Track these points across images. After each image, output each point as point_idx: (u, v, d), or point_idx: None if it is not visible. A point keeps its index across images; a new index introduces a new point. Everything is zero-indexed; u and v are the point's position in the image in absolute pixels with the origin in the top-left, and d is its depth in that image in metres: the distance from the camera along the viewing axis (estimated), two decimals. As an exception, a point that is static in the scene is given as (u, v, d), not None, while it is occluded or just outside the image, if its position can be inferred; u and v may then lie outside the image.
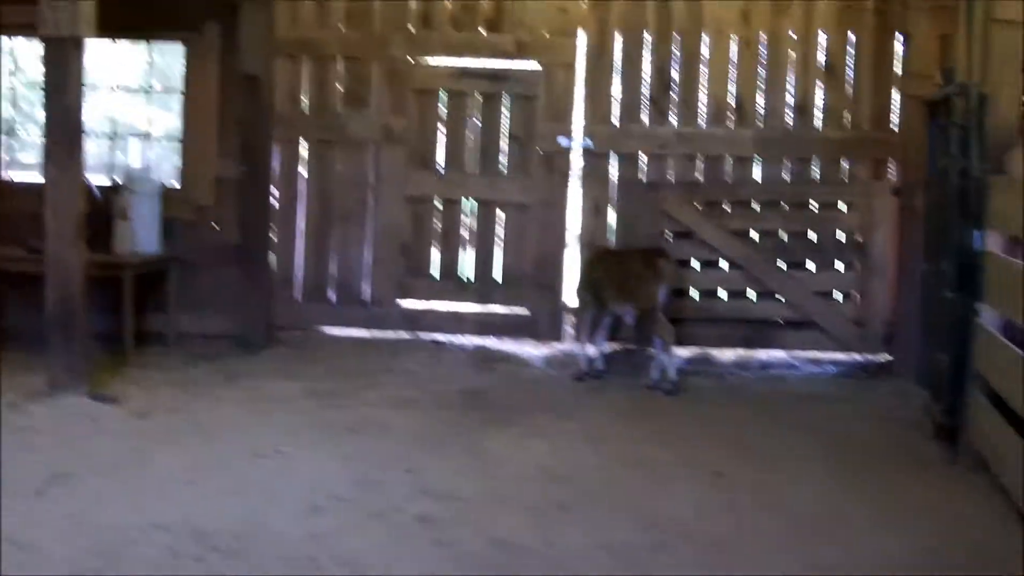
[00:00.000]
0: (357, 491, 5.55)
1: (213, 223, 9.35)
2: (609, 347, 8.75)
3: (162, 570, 4.54)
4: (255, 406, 7.19)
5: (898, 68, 8.90)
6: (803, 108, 9.03)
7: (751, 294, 9.05)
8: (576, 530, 5.12)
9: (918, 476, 6.10)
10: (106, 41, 9.49)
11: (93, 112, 9.89)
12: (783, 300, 8.95)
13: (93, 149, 10.27)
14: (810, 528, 5.24)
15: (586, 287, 8.46)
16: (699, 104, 9.12)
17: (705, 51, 9.10)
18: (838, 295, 9.02)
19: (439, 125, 9.36)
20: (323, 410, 7.16)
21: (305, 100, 9.40)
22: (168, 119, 10.35)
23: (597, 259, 8.58)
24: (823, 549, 4.97)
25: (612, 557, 4.81)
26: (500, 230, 9.36)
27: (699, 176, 9.11)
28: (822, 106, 9.06)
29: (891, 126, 8.94)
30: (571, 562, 4.76)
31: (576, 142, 9.19)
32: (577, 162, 9.26)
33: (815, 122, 9.06)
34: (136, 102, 10.05)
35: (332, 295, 9.48)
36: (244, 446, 6.23)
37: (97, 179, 9.34)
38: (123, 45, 9.95)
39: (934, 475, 6.13)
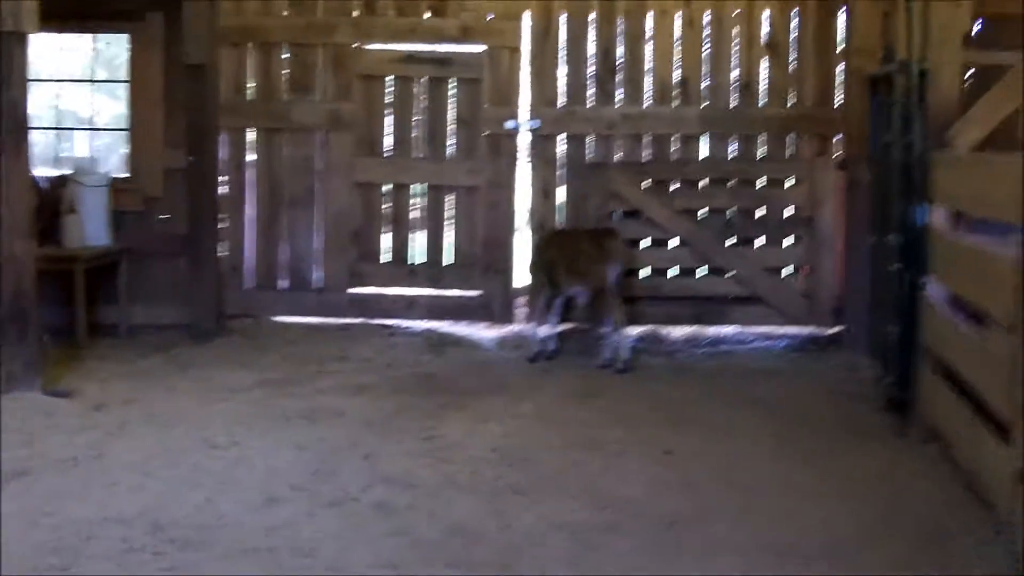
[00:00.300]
0: (313, 480, 5.58)
1: (162, 214, 9.32)
2: (561, 327, 8.81)
3: (120, 564, 4.55)
4: (208, 396, 7.21)
5: (842, 45, 8.97)
6: (747, 86, 9.13)
7: (700, 271, 9.13)
8: (531, 513, 5.17)
9: (868, 448, 6.21)
10: (51, 33, 9.44)
11: (39, 104, 9.84)
12: (732, 276, 9.04)
13: (40, 141, 10.23)
14: (761, 502, 5.33)
15: (538, 268, 8.51)
16: (644, 84, 9.18)
17: (649, 31, 9.15)
18: (788, 270, 9.11)
19: (386, 110, 9.36)
20: (276, 398, 7.18)
21: (251, 88, 9.37)
22: (115, 109, 10.29)
23: (548, 240, 8.66)
24: (773, 523, 5.06)
25: (566, 538, 4.88)
26: (450, 214, 9.39)
27: (646, 155, 9.17)
28: (766, 84, 9.13)
29: (835, 103, 9.04)
30: (526, 545, 4.81)
31: (523, 125, 9.22)
32: (524, 144, 9.29)
33: (759, 100, 9.14)
34: (82, 93, 9.98)
35: (283, 282, 9.47)
36: (198, 437, 6.25)
37: (44, 172, 9.30)
38: (69, 36, 9.81)
39: (884, 447, 6.23)
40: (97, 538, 4.79)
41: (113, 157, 10.08)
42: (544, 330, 8.55)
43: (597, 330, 8.50)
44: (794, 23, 9.08)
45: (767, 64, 9.13)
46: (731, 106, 9.14)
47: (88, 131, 10.03)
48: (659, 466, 5.89)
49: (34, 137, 9.74)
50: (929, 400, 6.18)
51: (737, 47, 9.11)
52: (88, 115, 9.92)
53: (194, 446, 6.10)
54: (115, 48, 10.13)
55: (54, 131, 9.93)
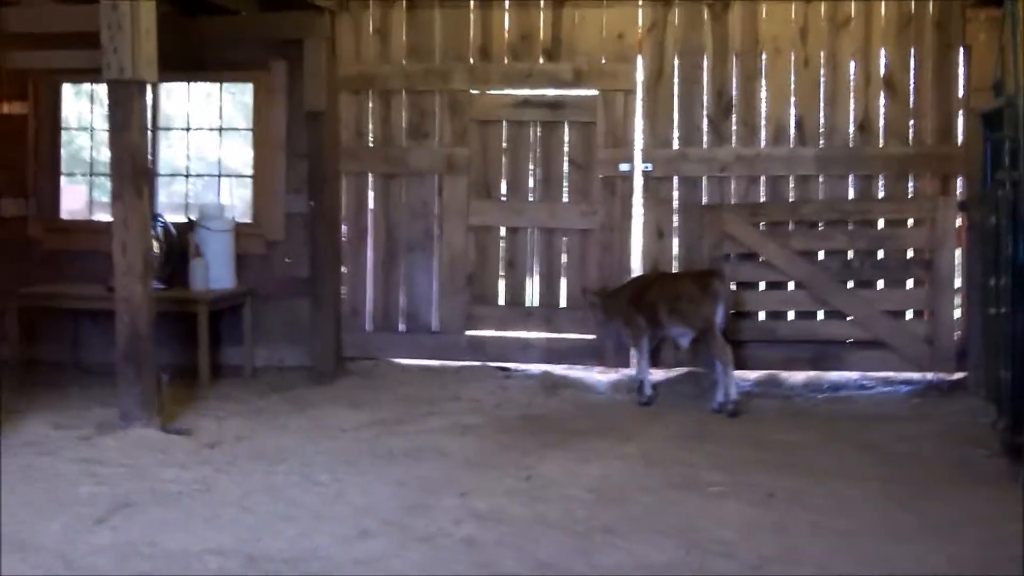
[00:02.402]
0: (406, 515, 5.64)
1: (284, 257, 9.56)
2: (677, 371, 8.77)
3: (211, 595, 4.67)
4: (318, 435, 7.35)
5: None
6: (865, 125, 8.98)
7: (818, 314, 8.98)
8: (619, 552, 5.15)
9: (976, 493, 6.05)
10: (177, 82, 9.81)
11: (168, 151, 10.20)
12: (851, 320, 8.88)
13: (169, 188, 10.59)
14: (855, 545, 5.23)
15: (638, 311, 8.48)
16: (759, 125, 9.12)
17: (764, 71, 9.10)
18: (908, 313, 8.92)
19: (501, 154, 9.47)
20: (384, 437, 7.28)
21: (370, 134, 9.57)
22: (240, 156, 10.60)
23: (649, 282, 8.63)
24: (863, 566, 4.96)
25: (652, 577, 4.85)
26: (564, 257, 9.42)
27: (761, 196, 9.09)
28: (884, 122, 8.98)
29: (956, 140, 8.86)
30: (611, 582, 4.80)
31: (636, 167, 9.23)
32: (638, 187, 9.30)
33: (878, 139, 8.99)
34: (210, 141, 10.30)
35: (401, 325, 9.60)
36: (302, 473, 6.37)
37: (174, 217, 9.62)
38: (198, 86, 10.17)
39: (994, 492, 6.06)
40: (193, 568, 4.92)
41: (238, 203, 10.36)
42: (651, 372, 8.54)
43: (707, 373, 8.44)
44: (912, 61, 8.92)
45: (885, 103, 8.97)
46: (849, 146, 9.01)
47: (215, 178, 10.32)
48: (757, 508, 5.81)
49: (165, 184, 10.21)
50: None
51: (853, 86, 8.98)
52: (216, 161, 10.20)
53: (296, 482, 6.22)
54: (244, 96, 10.45)
55: (184, 178, 10.22)
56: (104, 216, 9.82)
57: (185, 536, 5.31)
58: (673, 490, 6.13)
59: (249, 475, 6.35)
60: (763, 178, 9.11)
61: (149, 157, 7.33)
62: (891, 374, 8.90)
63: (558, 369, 9.31)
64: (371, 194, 9.62)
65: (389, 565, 4.98)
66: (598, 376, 9.18)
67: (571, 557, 5.08)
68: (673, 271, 9.06)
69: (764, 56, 9.09)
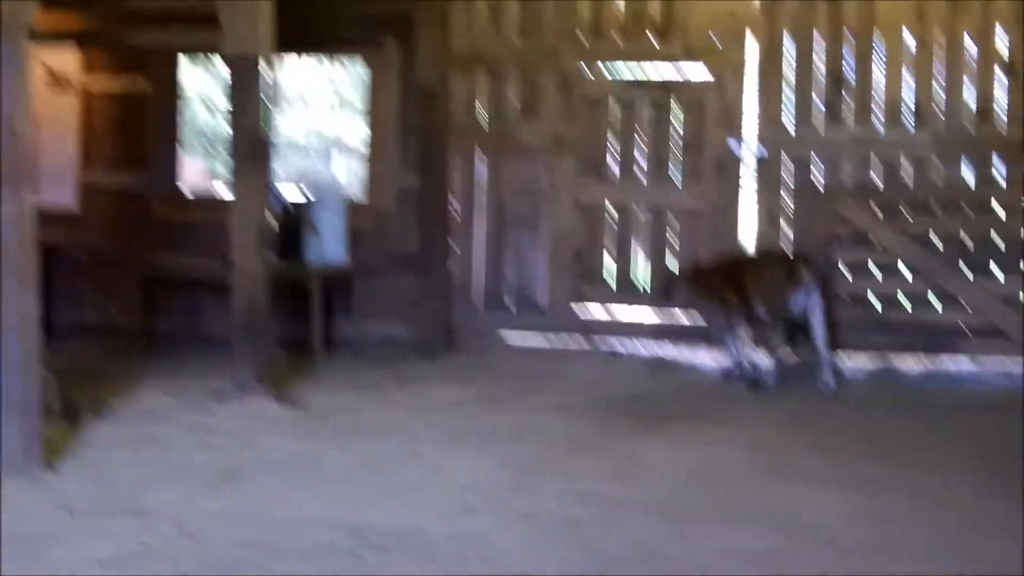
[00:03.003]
0: (510, 493, 5.72)
1: (395, 233, 9.68)
2: (784, 355, 8.73)
3: (317, 563, 4.77)
4: (424, 409, 7.47)
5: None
6: (984, 108, 8.80)
7: (931, 300, 8.85)
8: (717, 537, 5.16)
9: (1086, 487, 5.94)
10: (294, 58, 9.97)
11: (285, 127, 10.38)
12: (966, 306, 8.74)
13: (286, 163, 10.77)
14: (955, 538, 5.17)
15: (732, 292, 8.47)
16: (874, 106, 8.98)
17: (879, 51, 8.96)
18: None
19: (609, 132, 9.47)
20: (488, 414, 7.38)
21: (481, 111, 9.63)
22: (354, 132, 10.75)
23: (740, 263, 8.67)
24: (961, 558, 4.91)
25: (749, 563, 4.84)
26: (672, 237, 9.41)
27: (876, 179, 8.97)
28: (1003, 105, 8.80)
29: (1080, 125, 8.66)
30: (708, 567, 4.81)
31: (747, 147, 9.17)
32: (749, 168, 9.23)
33: (996, 122, 8.80)
34: (325, 117, 10.47)
35: (509, 302, 9.67)
36: (407, 448, 6.49)
37: (289, 192, 9.80)
38: (313, 62, 10.33)
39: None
40: (299, 537, 5.04)
41: (351, 178, 10.51)
42: (754, 356, 8.53)
43: (808, 356, 8.40)
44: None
45: (1005, 85, 8.78)
46: (966, 129, 8.84)
47: (329, 154, 10.48)
48: (860, 497, 5.76)
49: (282, 159, 10.39)
50: None
51: (972, 68, 8.80)
52: (329, 140, 10.37)
53: (402, 456, 6.34)
54: (359, 73, 10.59)
55: (300, 153, 10.40)
56: (222, 189, 10.07)
57: (293, 505, 5.46)
58: (774, 476, 6.12)
59: (356, 447, 6.49)
60: (878, 161, 8.97)
61: (267, 133, 7.46)
62: (1009, 367, 8.69)
63: (665, 350, 9.30)
64: (481, 171, 9.69)
65: (492, 541, 5.05)
66: (707, 359, 9.15)
67: (671, 540, 5.10)
68: (768, 251, 9.01)
69: (880, 35, 8.94)
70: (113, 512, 5.31)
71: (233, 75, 7.19)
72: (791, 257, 8.52)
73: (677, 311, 9.25)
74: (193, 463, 6.10)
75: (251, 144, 7.21)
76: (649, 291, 9.31)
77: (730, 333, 8.59)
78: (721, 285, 8.52)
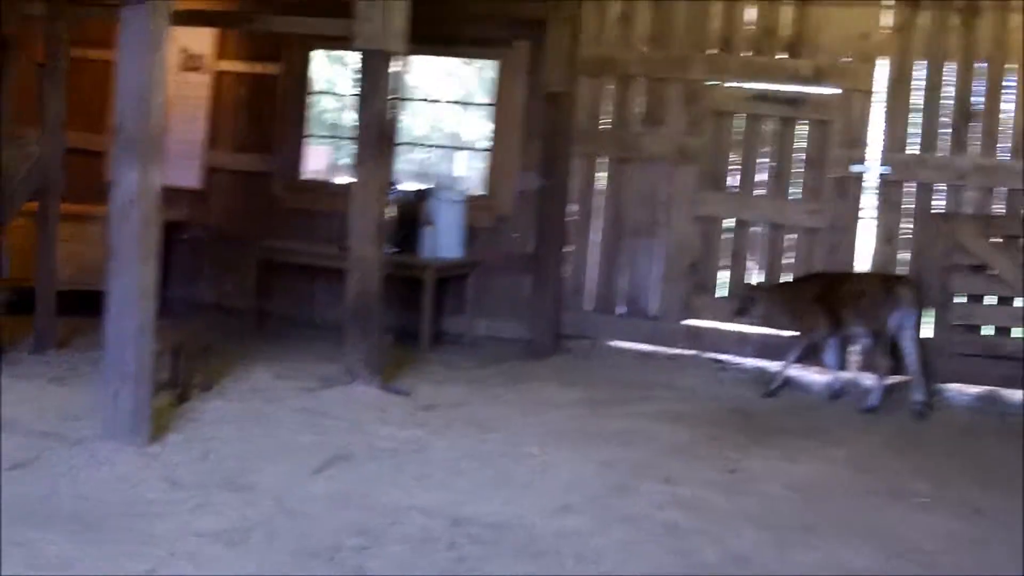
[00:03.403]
0: (610, 495, 5.79)
1: (513, 232, 9.79)
2: (893, 378, 8.68)
3: (416, 551, 4.89)
4: (531, 408, 7.57)
5: None
6: (1108, 143, 8.67)
7: (1046, 333, 8.74)
8: (816, 552, 5.18)
9: None
10: (424, 55, 10.13)
11: (410, 121, 10.54)
12: (1079, 341, 8.61)
13: (409, 157, 10.95)
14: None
15: (821, 308, 8.49)
16: (1001, 135, 8.87)
17: (1010, 81, 8.84)
18: None
19: (733, 146, 9.47)
20: (594, 417, 7.45)
21: (605, 117, 9.69)
22: (478, 130, 10.87)
23: (834, 281, 8.68)
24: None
25: (846, 580, 4.88)
26: (789, 254, 9.38)
27: (996, 209, 8.86)
28: None
29: None
30: (803, 581, 4.85)
31: (871, 169, 9.11)
32: (870, 189, 9.18)
33: (1121, 157, 8.66)
34: (451, 113, 10.61)
35: (620, 308, 9.71)
36: (512, 444, 6.59)
37: (410, 185, 9.96)
38: (443, 60, 10.48)
39: None
40: (400, 524, 5.16)
41: (472, 175, 10.64)
42: (831, 370, 8.70)
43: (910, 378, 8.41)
44: None
45: None
46: (1092, 163, 8.72)
47: (452, 149, 10.62)
48: (961, 522, 5.74)
49: (407, 153, 10.57)
50: None
51: (1102, 102, 8.67)
52: (454, 134, 10.51)
53: (506, 452, 6.43)
54: (486, 72, 10.71)
55: (424, 148, 10.55)
56: (343, 178, 10.26)
57: (395, 492, 5.58)
58: (877, 496, 6.11)
59: (461, 440, 6.60)
60: (1001, 190, 8.87)
61: (392, 125, 7.61)
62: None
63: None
64: (602, 176, 9.75)
65: (589, 541, 5.12)
66: (814, 376, 9.11)
67: (768, 553, 5.14)
68: (854, 271, 9.06)
69: (1012, 65, 8.83)
70: (216, 486, 5.47)
71: (364, 67, 7.33)
72: (890, 278, 8.60)
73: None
74: (298, 444, 6.26)
75: (376, 135, 7.36)
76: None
77: (803, 345, 8.65)
78: (805, 301, 8.56)
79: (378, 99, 7.31)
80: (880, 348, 8.32)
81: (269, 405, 6.99)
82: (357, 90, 7.47)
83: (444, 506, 5.43)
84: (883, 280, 8.54)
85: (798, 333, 8.68)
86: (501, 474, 6.02)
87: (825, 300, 8.49)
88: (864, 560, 5.11)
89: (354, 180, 7.48)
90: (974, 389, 8.78)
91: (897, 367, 8.41)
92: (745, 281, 9.20)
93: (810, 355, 8.88)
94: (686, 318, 9.49)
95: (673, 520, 5.47)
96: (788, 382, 8.66)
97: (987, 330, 8.87)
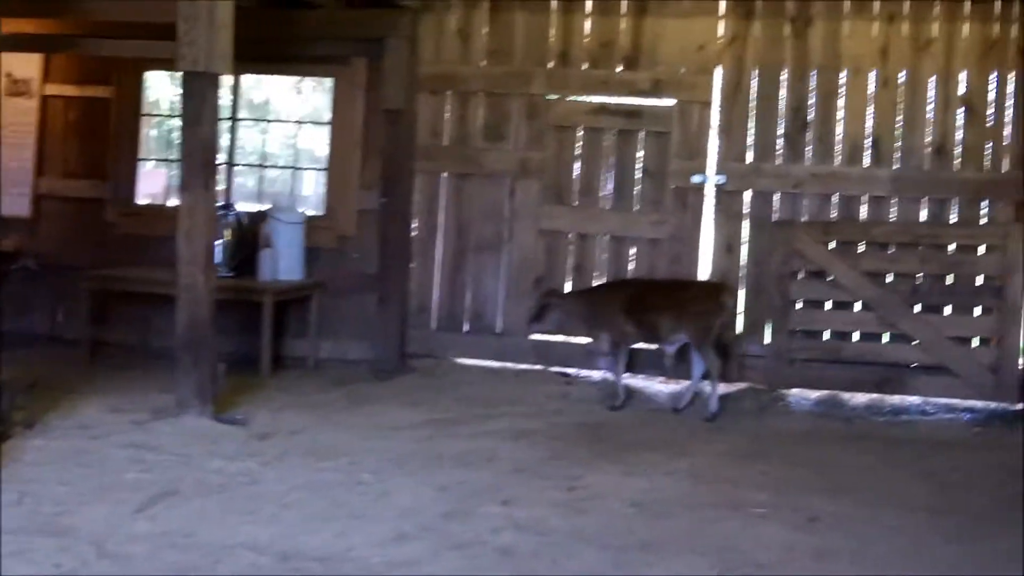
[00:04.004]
0: (446, 521, 5.66)
1: (354, 252, 9.64)
2: (738, 386, 8.75)
3: (239, 589, 4.73)
4: (372, 432, 7.40)
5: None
6: (941, 148, 8.84)
7: (883, 337, 8.86)
8: (653, 570, 5.12)
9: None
10: (258, 75, 9.94)
11: (246, 141, 10.33)
12: (916, 344, 8.75)
13: (248, 178, 10.73)
14: (893, 573, 5.17)
15: (629, 317, 8.50)
16: (835, 143, 9.01)
17: (843, 89, 8.98)
18: (975, 340, 8.77)
19: (575, 160, 9.45)
20: (437, 439, 7.32)
21: (447, 133, 9.60)
22: (319, 150, 10.70)
23: (644, 289, 8.75)
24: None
25: (682, 599, 4.83)
26: (632, 265, 9.39)
27: (833, 215, 8.99)
28: (961, 146, 8.83)
29: (1036, 167, 8.71)
30: (640, 602, 4.79)
31: (710, 179, 9.17)
32: (710, 199, 9.24)
33: (954, 162, 8.84)
34: (288, 133, 10.43)
35: (466, 325, 9.63)
36: (348, 472, 6.42)
37: (247, 207, 9.75)
38: (279, 77, 10.29)
39: (1045, 530, 5.94)
40: (224, 562, 4.96)
41: (311, 196, 10.47)
42: (624, 380, 8.67)
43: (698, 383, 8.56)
44: (994, 85, 8.76)
45: (963, 126, 8.82)
46: (924, 168, 8.88)
47: (290, 169, 10.44)
48: (798, 533, 5.74)
49: (239, 175, 10.35)
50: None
51: (932, 108, 8.85)
52: (292, 154, 10.32)
53: (341, 480, 6.26)
54: (325, 91, 10.54)
55: (258, 169, 10.34)
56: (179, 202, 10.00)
57: (222, 529, 5.38)
58: (717, 509, 6.08)
59: (295, 470, 6.42)
60: (836, 197, 9.01)
61: (221, 148, 7.41)
62: (955, 401, 8.75)
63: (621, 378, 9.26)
64: (444, 193, 9.66)
65: (421, 571, 5.00)
66: (659, 386, 9.13)
67: (606, 572, 5.07)
68: (658, 278, 9.15)
69: (844, 74, 8.98)
70: (31, 532, 5.18)
71: (187, 90, 7.12)
72: (713, 285, 8.77)
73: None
74: (122, 482, 6.00)
75: (202, 159, 7.14)
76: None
77: (615, 355, 8.63)
78: (607, 309, 8.58)
79: (203, 123, 7.10)
80: (704, 354, 8.32)
81: (94, 442, 6.70)
82: (182, 114, 7.22)
83: (273, 541, 5.25)
84: (707, 287, 8.66)
85: (604, 341, 8.68)
86: (335, 504, 5.85)
87: (634, 308, 8.50)
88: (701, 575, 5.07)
89: (180, 205, 7.24)
90: (815, 394, 8.89)
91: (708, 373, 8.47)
92: (544, 287, 9.13)
93: (657, 365, 8.93)
94: (532, 333, 9.43)
95: (509, 544, 5.36)
96: (632, 394, 8.64)
97: (827, 335, 8.97)
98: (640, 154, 9.36)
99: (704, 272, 9.30)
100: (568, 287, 9.30)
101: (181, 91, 7.22)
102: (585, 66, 9.39)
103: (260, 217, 9.44)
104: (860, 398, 8.91)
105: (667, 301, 8.45)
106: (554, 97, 9.48)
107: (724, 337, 8.58)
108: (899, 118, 8.93)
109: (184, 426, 7.00)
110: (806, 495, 6.39)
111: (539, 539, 5.46)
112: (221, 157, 9.58)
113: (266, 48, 9.24)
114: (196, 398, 7.16)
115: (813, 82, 9.04)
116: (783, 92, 9.09)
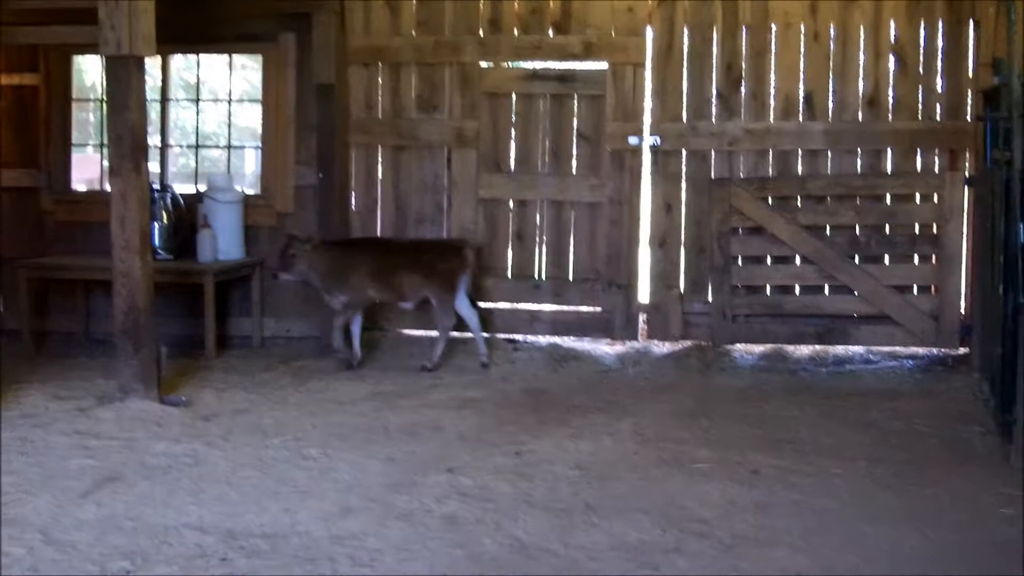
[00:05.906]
0: (391, 492, 5.67)
1: (293, 230, 9.57)
2: (680, 345, 8.80)
3: (186, 569, 4.72)
4: (317, 408, 7.41)
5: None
6: (874, 100, 8.90)
7: (824, 289, 8.93)
8: (597, 531, 5.17)
9: (964, 472, 6.04)
10: (185, 55, 9.84)
11: (179, 123, 10.24)
12: (857, 295, 8.83)
13: (182, 159, 10.64)
14: (833, 526, 5.24)
15: (371, 276, 8.62)
16: (768, 99, 9.05)
17: (773, 46, 9.01)
18: (915, 289, 8.87)
19: (510, 128, 9.44)
20: (383, 411, 7.33)
21: (380, 106, 9.56)
22: (253, 128, 10.64)
23: (386, 248, 8.93)
24: (839, 547, 4.96)
25: (626, 557, 4.87)
26: (573, 230, 9.41)
27: (770, 171, 9.04)
28: (894, 97, 8.89)
29: (966, 116, 8.77)
30: (584, 563, 4.82)
31: (646, 140, 9.19)
32: (647, 160, 9.26)
33: (887, 114, 8.91)
34: (221, 113, 10.34)
35: (410, 297, 9.61)
36: (294, 448, 6.42)
37: (182, 189, 9.67)
38: (208, 57, 10.20)
39: (982, 471, 6.05)
40: (170, 543, 4.97)
41: (248, 175, 10.40)
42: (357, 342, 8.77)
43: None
44: (923, 36, 8.82)
45: (894, 77, 8.88)
46: (858, 120, 8.94)
47: (224, 150, 10.36)
48: (740, 487, 5.80)
49: (173, 156, 10.25)
50: (1031, 422, 5.95)
51: (863, 60, 8.90)
52: (226, 133, 10.25)
53: (286, 457, 6.27)
54: (256, 69, 10.47)
55: (192, 150, 10.24)
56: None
57: (167, 511, 5.37)
58: (660, 468, 6.14)
59: (240, 449, 6.41)
60: (772, 152, 9.06)
61: (154, 131, 7.34)
62: (897, 349, 8.87)
63: (566, 341, 9.31)
64: (381, 166, 9.63)
65: (366, 543, 5.01)
66: (606, 348, 9.17)
67: (549, 536, 5.11)
68: (403, 239, 9.32)
69: (774, 30, 9.01)
70: (-23, 524, 5.17)
71: (112, 74, 7.04)
72: (455, 242, 8.98)
73: (575, 303, 9.30)
74: (69, 468, 5.99)
75: (131, 144, 7.07)
76: (549, 280, 9.39)
77: (349, 313, 8.67)
78: (353, 265, 8.65)
79: (130, 107, 7.02)
80: (446, 312, 8.57)
81: (38, 430, 6.67)
82: (107, 99, 7.14)
83: (218, 520, 5.25)
84: (451, 245, 8.86)
85: (337, 301, 8.68)
86: (280, 481, 5.85)
87: (380, 269, 8.62)
88: (642, 534, 5.11)
89: (112, 191, 7.18)
90: (760, 348, 8.96)
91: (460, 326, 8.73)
92: (289, 232, 8.99)
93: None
94: (477, 301, 9.42)
95: (453, 512, 5.40)
96: (578, 356, 8.66)
97: (769, 291, 9.04)
98: (575, 119, 9.35)
99: (644, 234, 9.33)
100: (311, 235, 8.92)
101: (105, 76, 7.14)
102: (516, 32, 9.36)
103: (196, 198, 9.37)
104: (804, 351, 9.01)
105: (412, 261, 8.61)
106: (487, 65, 9.45)
107: (469, 291, 8.79)
108: (831, 72, 8.96)
109: (128, 411, 6.97)
110: (749, 450, 6.46)
111: (484, 505, 5.50)
112: (155, 139, 9.56)
113: (194, 29, 9.17)
114: (139, 383, 7.12)
115: (744, 40, 9.06)
116: (715, 51, 9.11)
